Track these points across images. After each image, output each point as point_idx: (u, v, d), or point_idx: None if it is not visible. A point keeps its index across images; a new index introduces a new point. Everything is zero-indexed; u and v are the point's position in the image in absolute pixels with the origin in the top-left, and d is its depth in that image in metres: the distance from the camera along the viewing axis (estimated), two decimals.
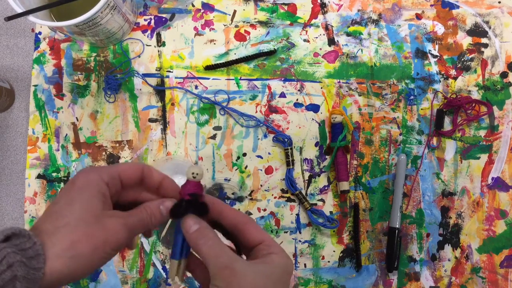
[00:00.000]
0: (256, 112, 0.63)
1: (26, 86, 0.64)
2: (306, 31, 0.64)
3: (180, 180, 0.61)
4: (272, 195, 0.62)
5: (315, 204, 0.62)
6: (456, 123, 0.62)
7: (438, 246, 0.62)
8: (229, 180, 0.62)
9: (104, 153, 0.63)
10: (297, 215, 0.62)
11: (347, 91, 0.63)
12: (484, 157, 0.62)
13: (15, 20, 0.62)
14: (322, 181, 0.62)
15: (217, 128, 0.63)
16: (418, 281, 0.61)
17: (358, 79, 0.63)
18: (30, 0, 0.55)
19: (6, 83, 0.62)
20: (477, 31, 0.64)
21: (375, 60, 0.63)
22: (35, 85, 0.63)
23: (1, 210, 0.63)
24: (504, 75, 0.63)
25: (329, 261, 0.62)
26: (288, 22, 0.64)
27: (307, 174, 0.62)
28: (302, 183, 0.62)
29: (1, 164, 0.63)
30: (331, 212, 0.62)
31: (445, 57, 0.63)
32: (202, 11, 0.64)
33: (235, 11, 0.64)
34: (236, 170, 0.62)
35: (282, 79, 0.63)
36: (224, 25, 0.64)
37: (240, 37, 0.64)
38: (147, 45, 0.64)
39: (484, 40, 0.64)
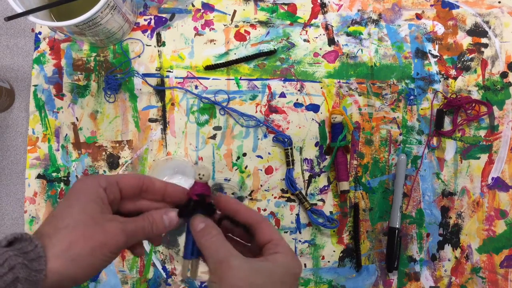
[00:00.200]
0: (256, 112, 0.63)
1: (26, 86, 0.64)
2: (306, 31, 0.64)
3: (180, 180, 0.61)
4: (272, 195, 0.62)
5: (315, 204, 0.62)
6: (456, 123, 0.62)
7: (438, 246, 0.62)
8: (229, 180, 0.62)
9: (104, 153, 0.63)
10: (297, 215, 0.62)
11: (347, 91, 0.63)
12: (484, 157, 0.62)
13: (15, 20, 0.62)
14: (322, 181, 0.62)
15: (217, 128, 0.63)
16: (418, 281, 0.61)
17: (358, 79, 0.63)
18: (30, 0, 0.55)
19: (6, 83, 0.62)
20: (477, 31, 0.64)
21: (375, 60, 0.63)
22: (35, 85, 0.63)
23: (1, 210, 0.63)
24: (504, 75, 0.63)
25: (329, 261, 0.62)
26: (288, 22, 0.64)
27: (307, 174, 0.62)
28: (302, 183, 0.62)
29: (1, 164, 0.63)
30: (331, 212, 0.62)
31: (445, 57, 0.63)
32: (202, 11, 0.64)
33: (235, 11, 0.64)
34: (236, 170, 0.62)
35: (282, 79, 0.63)
36: (224, 25, 0.64)
37: (240, 37, 0.64)
38: (147, 45, 0.64)
39: (484, 40, 0.64)
